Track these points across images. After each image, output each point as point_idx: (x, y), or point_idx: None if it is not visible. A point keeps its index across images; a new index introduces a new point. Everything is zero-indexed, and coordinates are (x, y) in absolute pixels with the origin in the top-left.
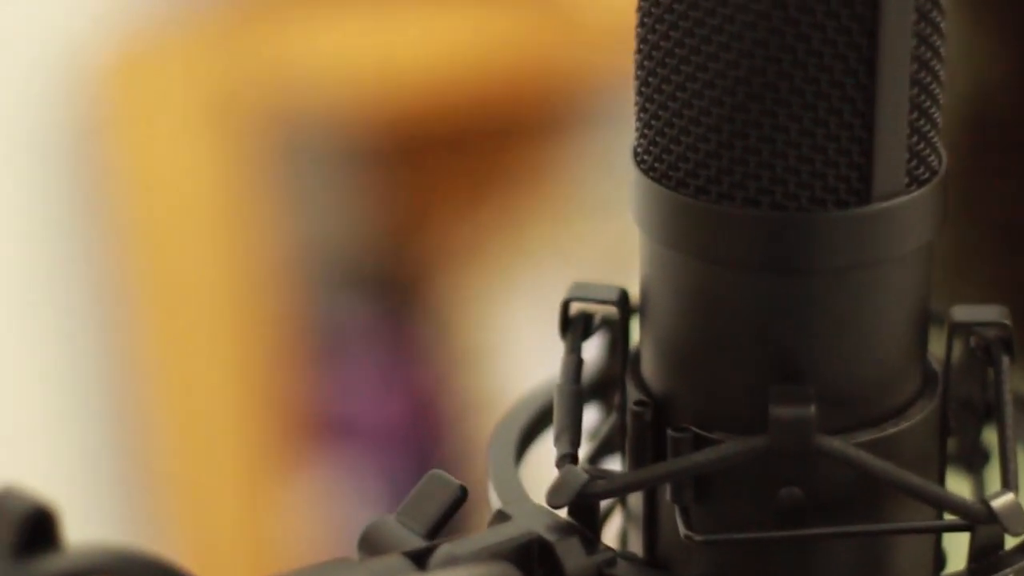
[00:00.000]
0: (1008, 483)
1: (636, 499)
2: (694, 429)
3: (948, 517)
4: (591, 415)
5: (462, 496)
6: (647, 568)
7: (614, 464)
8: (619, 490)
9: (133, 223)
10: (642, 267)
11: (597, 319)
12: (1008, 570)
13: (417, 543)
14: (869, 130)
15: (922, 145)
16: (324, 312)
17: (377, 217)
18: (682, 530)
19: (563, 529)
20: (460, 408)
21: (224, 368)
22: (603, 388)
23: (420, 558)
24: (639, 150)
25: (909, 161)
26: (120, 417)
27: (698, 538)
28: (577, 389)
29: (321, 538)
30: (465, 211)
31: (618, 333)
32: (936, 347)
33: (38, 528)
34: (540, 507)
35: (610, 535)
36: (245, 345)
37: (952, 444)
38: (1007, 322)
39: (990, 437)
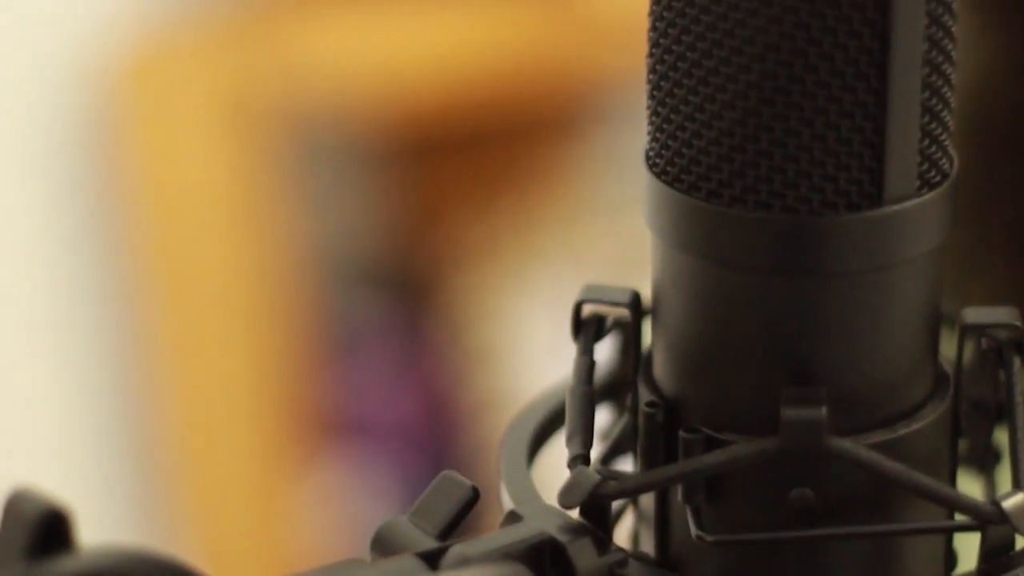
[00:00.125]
0: (1019, 483)
1: (648, 500)
2: (706, 430)
3: (959, 517)
4: (603, 416)
5: (474, 497)
6: (659, 569)
7: (626, 465)
8: (631, 491)
9: (148, 223)
10: (654, 270)
11: (609, 321)
12: (1019, 570)
13: (429, 544)
14: (881, 134)
15: (933, 148)
16: (338, 311)
17: (391, 217)
18: (694, 531)
19: (575, 530)
20: (474, 407)
21: (238, 367)
22: (615, 389)
23: (432, 559)
24: (651, 153)
25: (920, 164)
26: (134, 416)
27: (710, 539)
28: (589, 391)
29: (335, 536)
30: (479, 211)
31: (630, 335)
32: (948, 349)
33: (52, 530)
34: (552, 508)
35: (622, 536)
36: (259, 344)
37: (964, 445)
38: (1019, 324)
39: (1002, 438)
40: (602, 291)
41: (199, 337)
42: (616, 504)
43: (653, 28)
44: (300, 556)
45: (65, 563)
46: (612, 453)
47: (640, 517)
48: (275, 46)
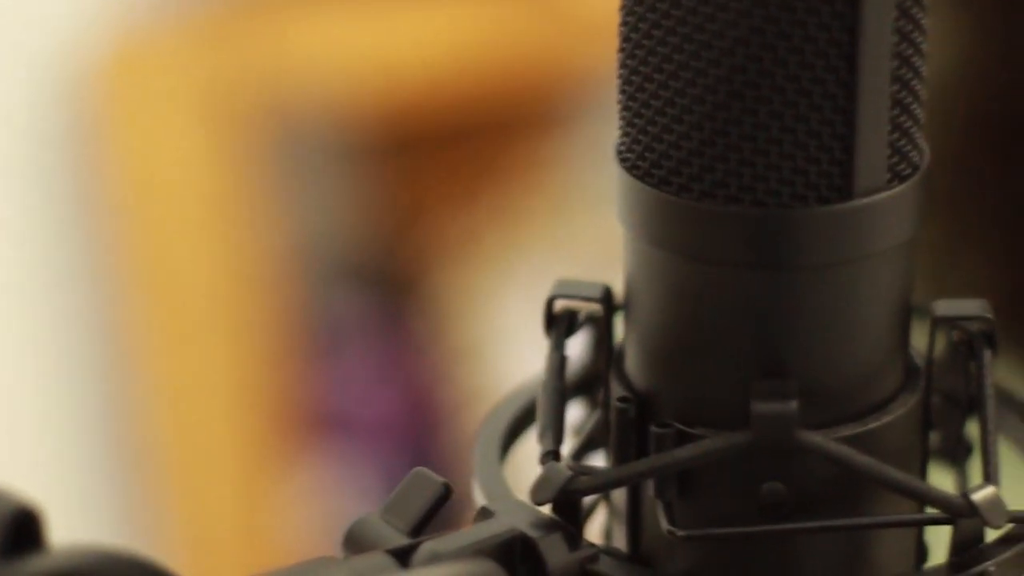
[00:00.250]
0: (989, 476)
1: (620, 495)
2: (677, 425)
3: (930, 510)
4: (576, 411)
5: (446, 494)
6: (630, 564)
7: (599, 460)
8: (602, 486)
9: (130, 220)
10: (626, 264)
11: (582, 316)
12: (989, 563)
13: (400, 541)
14: (850, 127)
15: (903, 141)
16: (320, 307)
17: (373, 212)
18: (665, 526)
19: (546, 526)
20: (456, 402)
21: (220, 363)
22: (588, 385)
23: (403, 556)
24: (622, 148)
25: (890, 157)
26: (116, 412)
27: (681, 533)
28: (561, 386)
29: (317, 532)
30: (461, 206)
31: (602, 330)
32: (920, 341)
33: (23, 529)
34: (523, 504)
35: (595, 531)
36: (241, 340)
37: (936, 438)
38: (989, 316)
39: (973, 430)
40: (574, 286)
41: (181, 334)
42: (589, 499)
43: (624, 23)
44: (283, 552)
45: (36, 562)
46: (585, 448)
47: (612, 512)
48: (257, 41)
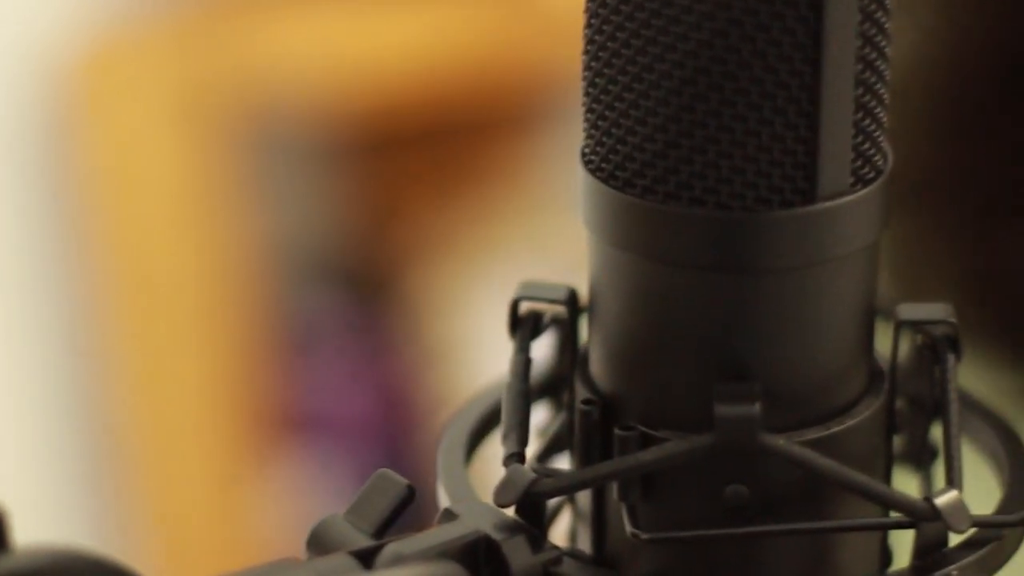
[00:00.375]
0: (952, 480)
1: (584, 497)
2: (641, 428)
3: (894, 514)
4: (541, 414)
5: (410, 495)
6: (593, 566)
7: (564, 463)
8: (565, 489)
9: (104, 219)
10: (590, 267)
11: (546, 318)
12: (952, 567)
13: (364, 542)
14: (814, 130)
15: (867, 145)
16: (296, 307)
17: (349, 212)
18: (628, 528)
19: (510, 528)
20: (431, 402)
21: (195, 363)
22: (553, 387)
23: (367, 557)
24: (586, 150)
25: (854, 161)
26: (90, 413)
27: (644, 536)
28: (525, 388)
29: (291, 532)
30: (436, 206)
31: (567, 332)
32: (884, 345)
33: None
34: (487, 506)
35: (560, 533)
36: (216, 340)
37: (901, 441)
38: (953, 320)
39: (938, 434)
40: (539, 288)
41: (156, 333)
42: (554, 502)
43: (588, 25)
44: (257, 552)
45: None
46: (549, 451)
47: (577, 515)
48: (233, 40)
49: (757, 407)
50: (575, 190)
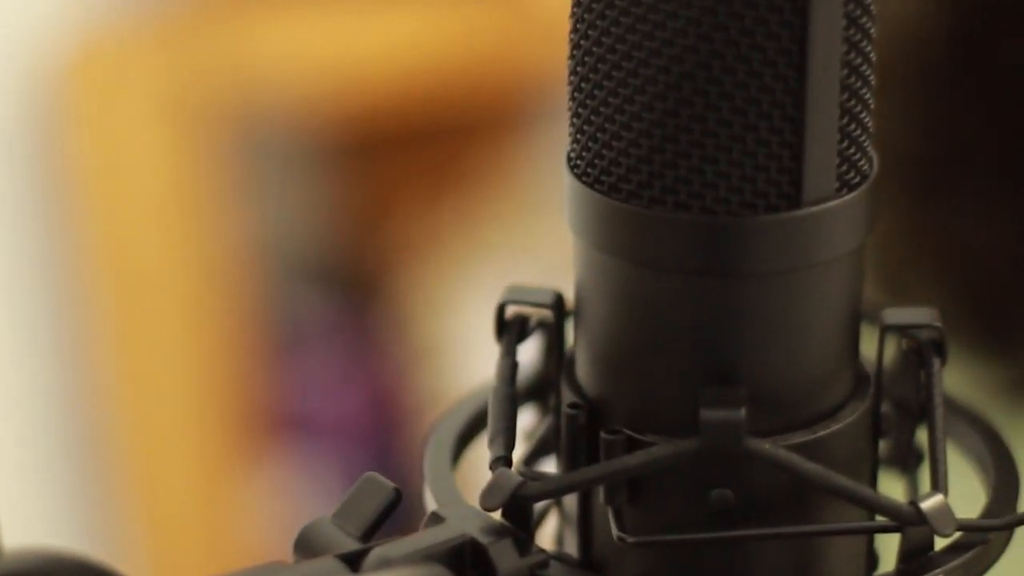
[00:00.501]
0: (937, 484)
1: (571, 501)
2: (627, 431)
3: (880, 518)
4: (528, 417)
5: (396, 498)
6: (581, 570)
7: (551, 466)
8: (551, 492)
9: (93, 219)
10: (576, 271)
11: (533, 322)
12: (937, 571)
13: (351, 545)
14: (799, 135)
15: (853, 150)
16: (283, 307)
17: (336, 213)
18: (615, 532)
19: (496, 531)
20: (420, 403)
21: (183, 363)
22: (539, 391)
23: (354, 560)
24: (572, 155)
25: (840, 166)
26: (78, 413)
27: (631, 540)
28: (511, 392)
29: (280, 533)
30: (424, 207)
31: (553, 336)
32: (870, 349)
33: None
34: (474, 509)
35: (547, 537)
36: (204, 340)
37: (887, 446)
38: (939, 324)
39: (924, 439)
40: (525, 292)
41: (144, 333)
42: (540, 505)
43: (574, 30)
44: (245, 553)
45: None
46: (536, 454)
47: (564, 518)
48: (222, 42)
49: (742, 411)
50: (561, 193)
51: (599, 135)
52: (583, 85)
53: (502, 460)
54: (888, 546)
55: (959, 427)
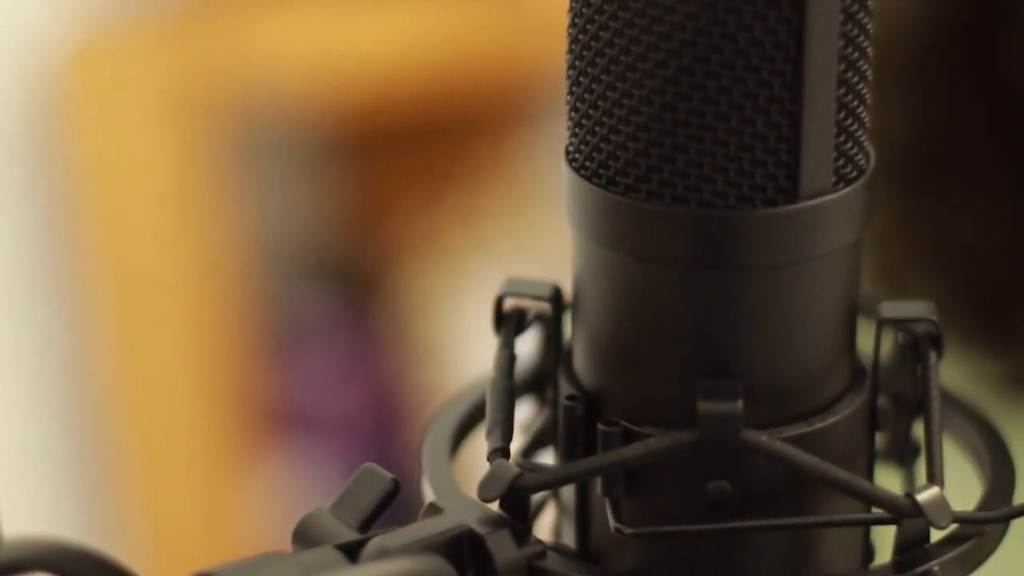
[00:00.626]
0: (933, 477)
1: (569, 492)
2: (624, 423)
3: (876, 510)
4: (526, 409)
5: (394, 489)
6: (577, 561)
7: (548, 458)
8: (549, 484)
9: (93, 216)
10: (574, 264)
11: (531, 315)
12: (933, 563)
13: (350, 536)
14: (796, 129)
15: (849, 144)
16: (284, 304)
17: (337, 210)
18: (612, 523)
19: (494, 522)
20: (419, 399)
21: (184, 360)
22: (537, 383)
23: (352, 550)
24: (571, 149)
25: (836, 160)
26: (79, 408)
27: (628, 531)
28: (509, 384)
29: (280, 529)
30: (424, 204)
31: (551, 329)
32: (867, 342)
33: None
34: (472, 500)
35: (545, 528)
36: (205, 337)
37: (884, 439)
38: (935, 318)
39: (921, 432)
40: (523, 285)
41: (145, 329)
42: (538, 497)
43: (572, 24)
44: (246, 548)
45: None
46: (534, 446)
47: (561, 510)
48: (221, 39)
49: (740, 404)
50: (560, 188)
51: (597, 129)
52: (581, 79)
53: (500, 451)
54: (884, 538)
55: (955, 420)
